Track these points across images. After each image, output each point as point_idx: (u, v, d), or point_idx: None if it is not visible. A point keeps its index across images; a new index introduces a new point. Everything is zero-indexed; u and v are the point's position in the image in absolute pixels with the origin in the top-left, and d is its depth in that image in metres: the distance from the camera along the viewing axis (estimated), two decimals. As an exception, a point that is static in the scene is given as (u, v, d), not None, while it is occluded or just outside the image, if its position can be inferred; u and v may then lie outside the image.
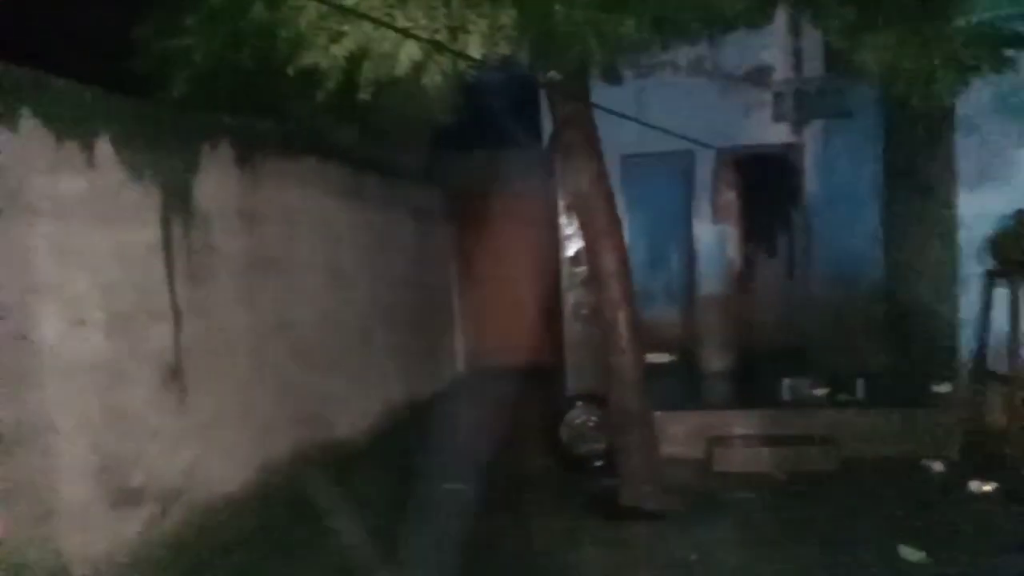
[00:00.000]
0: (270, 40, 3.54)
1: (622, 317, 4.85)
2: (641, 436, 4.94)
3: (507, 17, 3.31)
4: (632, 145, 6.38)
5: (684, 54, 6.95)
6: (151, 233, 4.08)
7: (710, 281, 7.52)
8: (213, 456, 4.46)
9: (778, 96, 7.05)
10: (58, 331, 3.43)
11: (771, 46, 6.92)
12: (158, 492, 3.98)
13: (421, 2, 3.30)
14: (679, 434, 5.94)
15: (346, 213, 6.51)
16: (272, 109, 4.90)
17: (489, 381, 9.56)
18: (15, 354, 3.22)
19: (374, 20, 3.25)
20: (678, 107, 6.78)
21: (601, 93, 4.77)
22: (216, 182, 4.62)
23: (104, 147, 3.78)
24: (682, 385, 7.23)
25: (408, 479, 5.72)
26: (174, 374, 4.17)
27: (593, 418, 5.90)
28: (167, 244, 4.18)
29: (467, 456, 6.53)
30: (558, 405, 6.27)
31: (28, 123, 3.36)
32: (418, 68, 3.40)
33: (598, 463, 5.75)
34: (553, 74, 4.05)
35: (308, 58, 3.48)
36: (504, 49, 3.31)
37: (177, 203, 4.27)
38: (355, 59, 3.46)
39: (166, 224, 4.18)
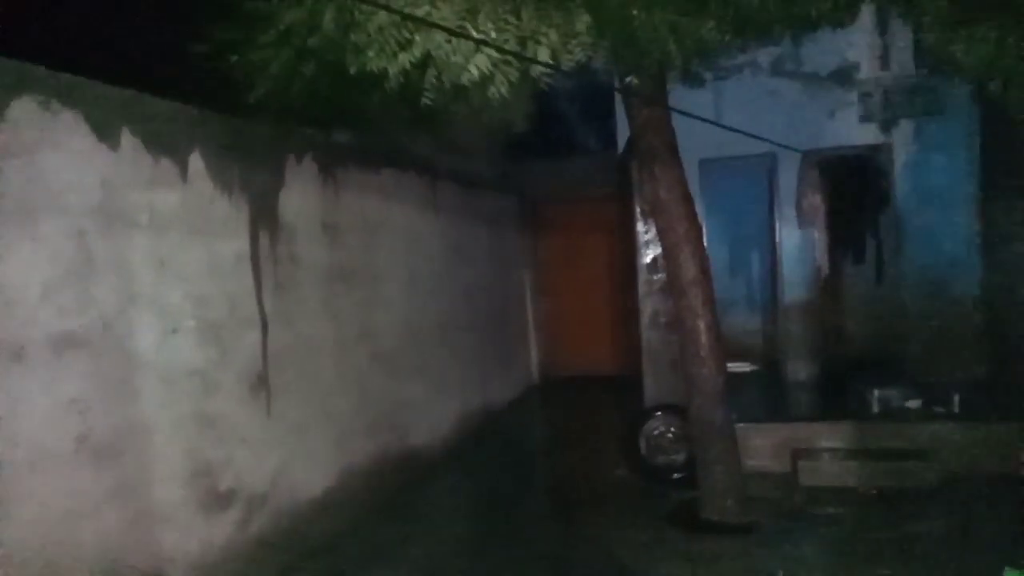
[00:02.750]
0: (340, 50, 3.59)
1: (702, 325, 4.74)
2: (723, 448, 4.82)
3: (581, 23, 3.28)
4: (711, 148, 6.25)
5: (765, 54, 6.77)
6: (240, 245, 4.22)
7: (795, 288, 7.28)
8: (298, 461, 4.57)
9: (865, 95, 6.78)
10: (154, 340, 3.59)
11: (857, 43, 6.67)
12: (246, 496, 4.11)
13: (491, 13, 3.30)
14: (763, 447, 5.76)
15: (423, 222, 6.60)
16: (351, 122, 5.01)
17: (564, 390, 9.51)
18: (116, 362, 3.38)
19: (443, 28, 3.27)
20: (760, 108, 6.61)
21: (679, 95, 4.69)
22: (300, 194, 4.76)
23: (196, 162, 3.93)
24: (766, 396, 7.01)
25: (486, 487, 5.74)
26: (261, 381, 4.30)
27: (672, 429, 5.79)
28: (255, 255, 4.32)
29: (543, 465, 6.50)
30: (635, 415, 6.18)
31: (128, 141, 3.54)
32: (486, 78, 3.39)
33: (678, 475, 5.63)
34: (631, 79, 4.00)
35: (374, 63, 3.49)
36: (578, 56, 3.28)
37: (264, 215, 4.42)
38: (422, 67, 3.47)
39: (254, 236, 4.32)
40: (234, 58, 3.87)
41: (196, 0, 3.60)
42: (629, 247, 7.44)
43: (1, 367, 2.90)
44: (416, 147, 6.36)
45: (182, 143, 3.86)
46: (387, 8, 3.23)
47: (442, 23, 3.21)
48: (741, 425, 5.17)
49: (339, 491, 4.95)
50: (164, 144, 3.74)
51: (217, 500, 3.91)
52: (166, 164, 3.75)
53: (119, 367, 3.40)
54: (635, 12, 3.25)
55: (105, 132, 3.43)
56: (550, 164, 9.56)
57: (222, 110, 4.10)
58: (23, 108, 3.08)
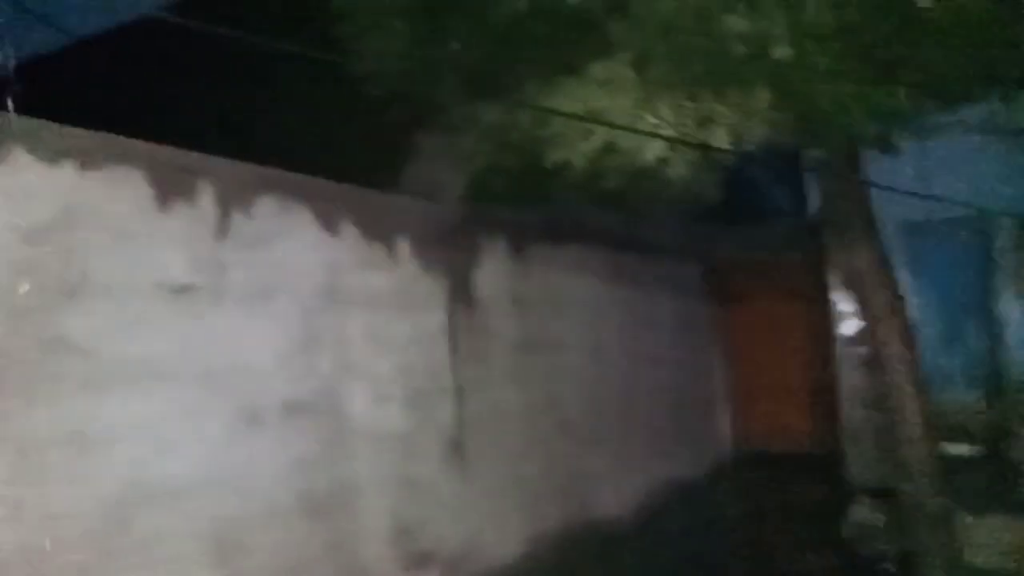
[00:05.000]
0: (532, 143, 3.94)
1: (910, 403, 4.41)
2: (940, 540, 4.38)
3: (761, 100, 3.32)
4: (916, 211, 5.86)
5: (972, 110, 6.31)
6: (439, 319, 4.57)
7: (1023, 361, 6.53)
8: (490, 526, 4.75)
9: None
10: (366, 406, 3.96)
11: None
12: (444, 558, 4.33)
13: (667, 100, 3.47)
14: (990, 542, 5.15)
15: (606, 293, 6.73)
16: (539, 202, 5.32)
17: (758, 466, 9.05)
18: (333, 425, 3.77)
19: (616, 126, 3.48)
20: (968, 168, 6.13)
21: (875, 155, 4.49)
22: (492, 271, 5.08)
23: (404, 246, 4.36)
24: (991, 483, 6.27)
25: (675, 564, 5.59)
26: (456, 446, 4.57)
27: (880, 515, 5.35)
28: (451, 328, 4.65)
29: (735, 546, 6.22)
30: (838, 498, 5.77)
31: (347, 229, 4.01)
32: (663, 161, 3.56)
33: (888, 567, 5.17)
34: (817, 153, 3.94)
35: (560, 155, 3.81)
36: (759, 133, 3.32)
37: (460, 291, 4.76)
38: (603, 154, 3.72)
39: (451, 310, 4.66)
40: (435, 153, 4.33)
41: (404, 107, 4.07)
42: (825, 317, 7.08)
43: (241, 428, 3.35)
44: (599, 221, 6.56)
45: (392, 229, 4.30)
46: (563, 114, 3.48)
47: (619, 113, 3.41)
48: (963, 516, 4.68)
49: (528, 558, 5.05)
50: (377, 231, 4.19)
51: (417, 560, 4.16)
52: (379, 248, 4.20)
53: (336, 430, 3.78)
54: (819, 85, 3.24)
55: (328, 222, 3.92)
56: (737, 230, 9.36)
57: (424, 197, 4.54)
58: (264, 205, 3.62)
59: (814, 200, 6.42)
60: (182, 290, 3.20)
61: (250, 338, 3.46)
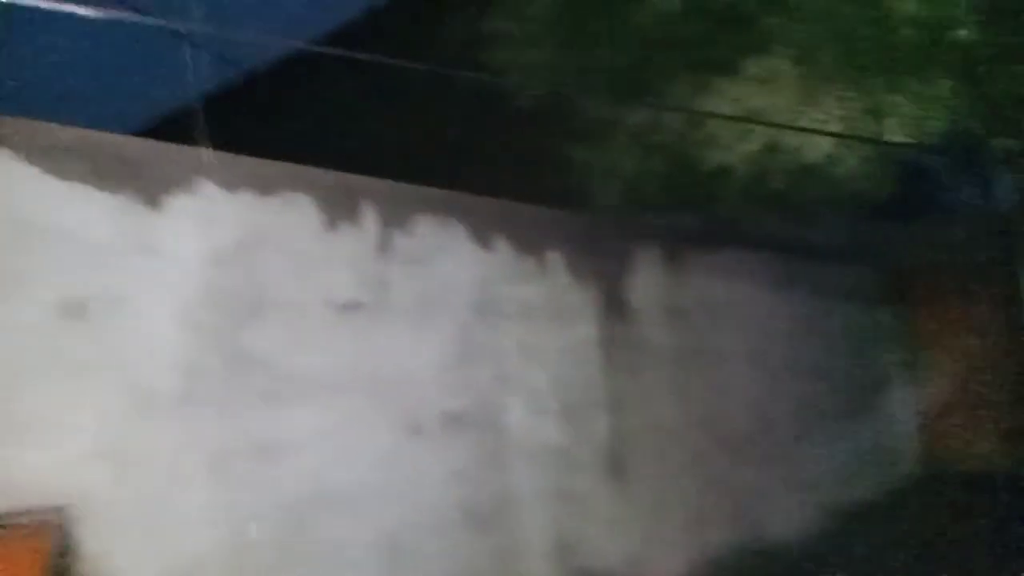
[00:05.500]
0: (684, 146, 3.83)
1: None
2: None
3: (942, 86, 3.04)
4: None
5: None
6: (591, 330, 4.53)
7: None
8: (650, 544, 4.63)
9: None
10: (521, 418, 3.99)
11: None
12: (602, 575, 4.26)
13: (833, 94, 3.26)
14: None
15: (769, 301, 6.39)
16: (693, 206, 5.17)
17: (946, 486, 8.25)
18: (490, 438, 3.82)
19: (777, 125, 3.31)
20: None
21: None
22: (645, 279, 4.97)
23: (554, 257, 4.36)
24: None
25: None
26: (614, 462, 4.49)
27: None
28: (605, 340, 4.59)
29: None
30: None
31: (500, 243, 4.07)
32: (830, 158, 3.35)
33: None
34: (1007, 142, 3.55)
35: (716, 157, 3.68)
36: (939, 123, 3.03)
37: (613, 302, 4.70)
38: (764, 153, 3.55)
39: (604, 322, 4.60)
40: (585, 162, 4.32)
41: (550, 118, 4.10)
42: (1019, 323, 6.35)
43: (405, 439, 3.47)
44: (761, 224, 6.26)
45: (543, 241, 4.32)
46: (715, 115, 3.36)
47: (780, 110, 3.24)
48: None
49: (691, 578, 4.88)
50: (528, 243, 4.22)
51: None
52: (530, 261, 4.23)
53: (493, 443, 3.83)
54: (1009, 67, 2.91)
55: (482, 237, 4.00)
56: (917, 230, 8.62)
57: (575, 207, 4.53)
58: (422, 222, 3.74)
59: (1004, 194, 5.79)
60: (349, 306, 3.37)
61: (411, 351, 3.58)
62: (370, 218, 3.53)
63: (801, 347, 6.77)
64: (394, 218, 3.62)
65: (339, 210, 3.40)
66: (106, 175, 2.70)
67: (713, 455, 5.32)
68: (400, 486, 3.43)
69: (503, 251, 4.09)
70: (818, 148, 3.44)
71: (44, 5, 2.53)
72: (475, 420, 3.76)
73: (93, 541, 2.56)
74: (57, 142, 2.65)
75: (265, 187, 3.15)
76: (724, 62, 3.68)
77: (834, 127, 3.35)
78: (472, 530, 3.64)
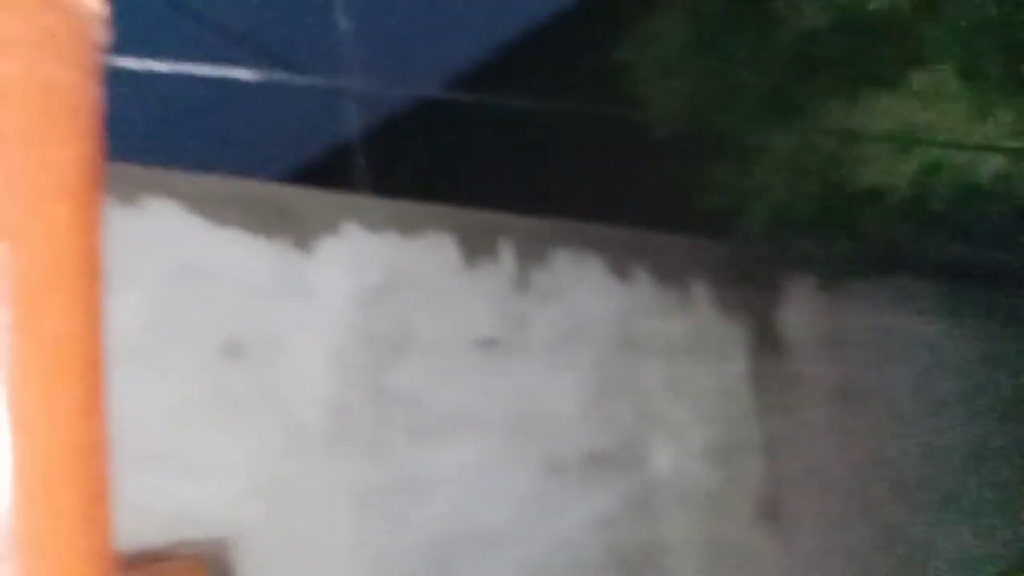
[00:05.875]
0: (837, 166, 3.60)
1: None
2: None
3: None
4: None
5: None
6: (741, 366, 4.29)
7: None
8: (812, 597, 4.27)
9: None
10: (667, 459, 3.81)
11: None
12: (759, 627, 3.97)
13: (1006, 107, 2.95)
14: None
15: (937, 331, 5.84)
16: (849, 230, 4.83)
17: None
18: (635, 479, 3.67)
19: (942, 144, 3.02)
20: None
21: None
22: (799, 310, 4.67)
23: (699, 289, 4.18)
24: None
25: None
26: (769, 507, 4.20)
27: None
28: (756, 376, 4.33)
29: None
30: None
31: (639, 275, 3.95)
32: (1004, 177, 3.03)
33: None
34: None
35: (874, 178, 3.43)
36: None
37: (764, 335, 4.43)
38: (926, 173, 3.28)
39: (755, 356, 4.35)
40: (729, 188, 4.13)
41: (690, 145, 3.96)
42: None
43: (547, 478, 3.39)
44: (925, 249, 5.76)
45: (685, 272, 4.15)
46: (882, 138, 3.13)
47: (945, 127, 2.98)
48: None
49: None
50: (670, 275, 4.07)
51: (731, 628, 3.86)
52: (673, 293, 4.07)
53: (638, 484, 3.67)
54: None
55: (621, 269, 3.89)
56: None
57: (720, 236, 4.34)
58: (560, 257, 3.69)
59: None
60: (488, 343, 3.35)
61: (551, 388, 3.51)
62: (507, 254, 3.52)
63: (974, 380, 6.13)
64: (531, 254, 3.59)
65: (478, 248, 3.42)
66: (262, 222, 2.84)
67: (880, 499, 4.87)
68: (543, 526, 3.34)
69: (644, 283, 3.96)
70: (987, 165, 3.14)
71: (209, 72, 2.72)
72: (618, 460, 3.63)
73: (249, 574, 2.64)
74: (218, 192, 2.82)
75: (408, 228, 3.22)
76: (879, 78, 3.44)
77: (1006, 142, 3.05)
78: (616, 573, 3.49)
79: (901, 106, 3.40)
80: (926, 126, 3.30)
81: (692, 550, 3.80)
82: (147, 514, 2.42)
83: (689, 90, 4.15)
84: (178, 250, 2.69)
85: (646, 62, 4.26)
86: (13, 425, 0.62)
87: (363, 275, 3.05)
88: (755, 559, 4.05)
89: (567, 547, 3.37)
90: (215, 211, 2.76)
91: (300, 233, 2.93)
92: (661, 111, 4.20)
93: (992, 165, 3.13)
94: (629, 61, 4.31)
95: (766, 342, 4.43)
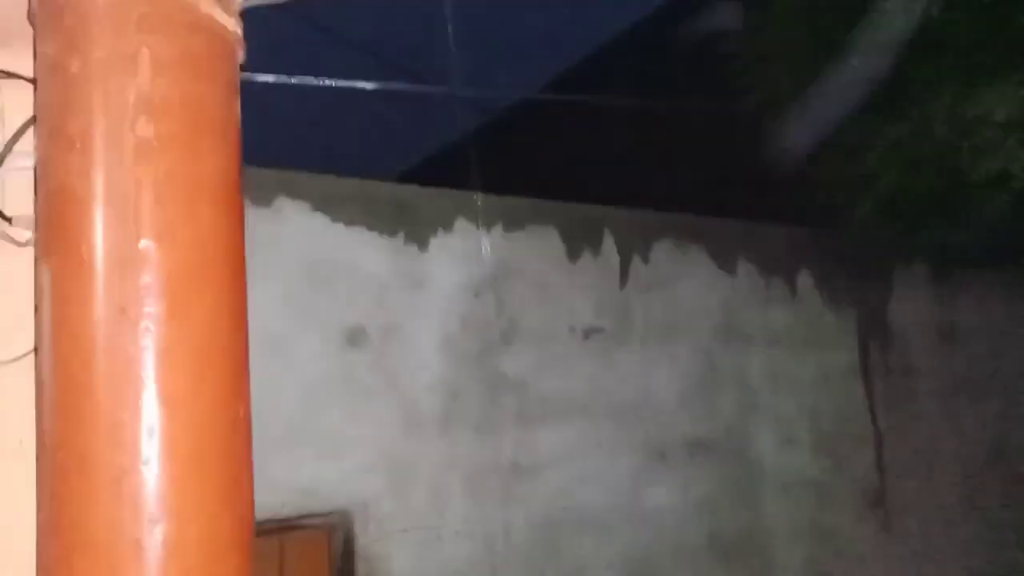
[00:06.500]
0: (953, 155, 3.48)
1: None
2: None
3: None
4: None
5: None
6: (848, 356, 4.22)
7: None
8: (923, 592, 4.17)
9: None
10: (771, 448, 3.81)
11: None
12: (867, 620, 3.92)
13: None
14: None
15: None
16: (963, 219, 4.64)
17: None
18: (738, 466, 3.70)
19: None
20: None
21: None
22: (911, 301, 4.54)
23: (804, 279, 4.14)
24: None
25: None
26: (878, 497, 4.13)
27: None
28: (865, 367, 4.25)
29: None
30: None
31: (743, 266, 3.96)
32: None
33: None
34: None
35: (992, 166, 3.30)
36: None
37: (873, 325, 4.34)
38: None
39: (863, 347, 4.27)
40: (838, 177, 4.06)
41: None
42: None
43: (649, 464, 3.48)
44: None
45: (791, 263, 4.12)
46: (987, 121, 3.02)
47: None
48: None
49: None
50: (774, 265, 4.05)
51: (836, 619, 3.83)
52: (776, 283, 4.05)
53: (741, 471, 3.70)
54: None
55: (724, 260, 3.91)
56: None
57: (826, 226, 4.27)
58: (662, 248, 3.76)
59: None
60: (591, 332, 3.47)
61: (653, 376, 3.59)
62: (609, 246, 3.61)
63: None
64: (634, 245, 3.67)
65: (581, 240, 3.53)
66: (381, 219, 3.06)
67: (995, 492, 4.67)
68: (645, 510, 3.43)
69: (747, 274, 3.97)
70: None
71: (336, 84, 2.95)
72: (721, 447, 3.67)
73: (370, 545, 2.87)
74: (341, 192, 3.05)
75: (516, 222, 3.37)
76: (996, 63, 3.31)
77: None
78: (719, 559, 3.54)
79: (1019, 92, 3.27)
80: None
81: (799, 539, 3.80)
82: (279, 487, 2.69)
83: (794, 77, 4.09)
84: (307, 247, 2.94)
85: (752, 52, 4.23)
86: (165, 403, 0.72)
87: (474, 267, 3.22)
88: (861, 548, 4.00)
89: (670, 531, 3.45)
90: (339, 210, 3.00)
91: (416, 229, 3.13)
92: (768, 101, 4.16)
93: None
94: (734, 52, 4.28)
95: (876, 333, 4.34)
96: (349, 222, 3.02)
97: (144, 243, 0.75)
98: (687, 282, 3.79)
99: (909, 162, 3.80)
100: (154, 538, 0.72)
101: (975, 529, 4.51)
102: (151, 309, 0.74)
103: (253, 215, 2.88)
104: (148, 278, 0.74)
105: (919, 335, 4.53)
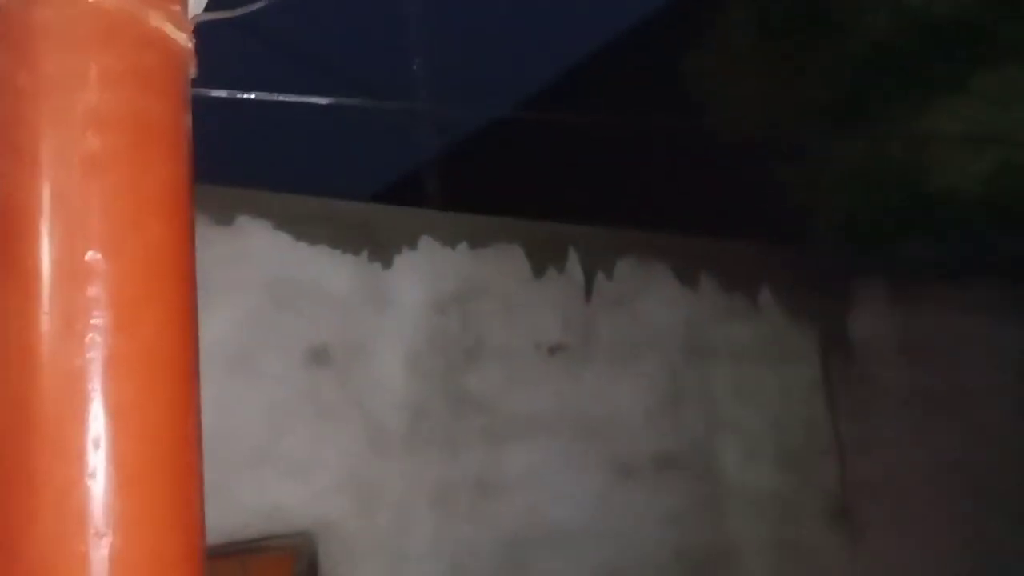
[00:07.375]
0: (906, 171, 3.59)
1: None
2: None
3: None
4: None
5: None
6: (810, 371, 4.28)
7: None
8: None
9: None
10: (737, 463, 3.85)
11: None
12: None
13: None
14: None
15: (1019, 335, 5.65)
16: (920, 234, 4.76)
17: None
18: (704, 482, 3.73)
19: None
20: None
21: None
22: (872, 316, 4.63)
23: (765, 295, 4.21)
24: None
25: None
26: (842, 512, 4.17)
27: None
28: (827, 381, 4.32)
29: None
30: None
31: (705, 282, 4.01)
32: None
33: None
34: None
35: (945, 181, 3.42)
36: None
37: (835, 340, 4.41)
38: (1001, 173, 3.24)
39: (825, 361, 4.34)
40: (797, 194, 4.15)
41: (756, 151, 4.00)
42: None
43: (616, 480, 3.49)
44: (1003, 251, 5.59)
45: (752, 278, 4.19)
46: (940, 136, 3.12)
47: (1018, 125, 2.95)
48: None
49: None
50: (736, 281, 4.12)
51: (803, 632, 3.86)
52: (739, 299, 4.11)
53: (707, 486, 3.73)
54: None
55: (686, 276, 3.97)
56: None
57: (787, 242, 4.36)
58: (626, 265, 3.80)
59: None
60: (557, 349, 3.49)
61: (618, 392, 3.61)
62: (574, 263, 3.65)
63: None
64: (598, 262, 3.71)
65: (546, 257, 3.56)
66: (345, 237, 3.06)
67: (960, 508, 4.75)
68: (613, 526, 3.44)
69: (710, 290, 4.02)
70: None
71: (289, 99, 2.95)
72: (688, 463, 3.69)
73: (335, 567, 2.84)
74: (304, 211, 3.05)
75: (479, 240, 3.39)
76: (946, 81, 3.43)
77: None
78: (687, 574, 3.55)
79: (970, 108, 3.38)
80: (998, 126, 3.27)
81: (764, 555, 3.82)
82: (240, 508, 2.66)
83: (757, 97, 4.19)
84: (270, 265, 2.93)
85: (713, 71, 4.32)
86: (112, 415, 0.70)
87: (438, 285, 3.23)
88: (826, 563, 4.04)
89: (638, 547, 3.46)
90: (302, 228, 2.99)
91: (380, 247, 3.13)
92: (729, 119, 4.25)
93: None
94: (696, 71, 4.37)
95: (837, 347, 4.41)
96: (312, 241, 3.01)
97: (91, 255, 0.75)
98: (651, 298, 3.83)
99: (866, 178, 3.91)
100: (100, 552, 0.71)
101: (940, 542, 4.58)
102: (98, 321, 0.73)
103: (215, 233, 2.88)
104: (95, 290, 0.74)
105: (880, 349, 4.62)
